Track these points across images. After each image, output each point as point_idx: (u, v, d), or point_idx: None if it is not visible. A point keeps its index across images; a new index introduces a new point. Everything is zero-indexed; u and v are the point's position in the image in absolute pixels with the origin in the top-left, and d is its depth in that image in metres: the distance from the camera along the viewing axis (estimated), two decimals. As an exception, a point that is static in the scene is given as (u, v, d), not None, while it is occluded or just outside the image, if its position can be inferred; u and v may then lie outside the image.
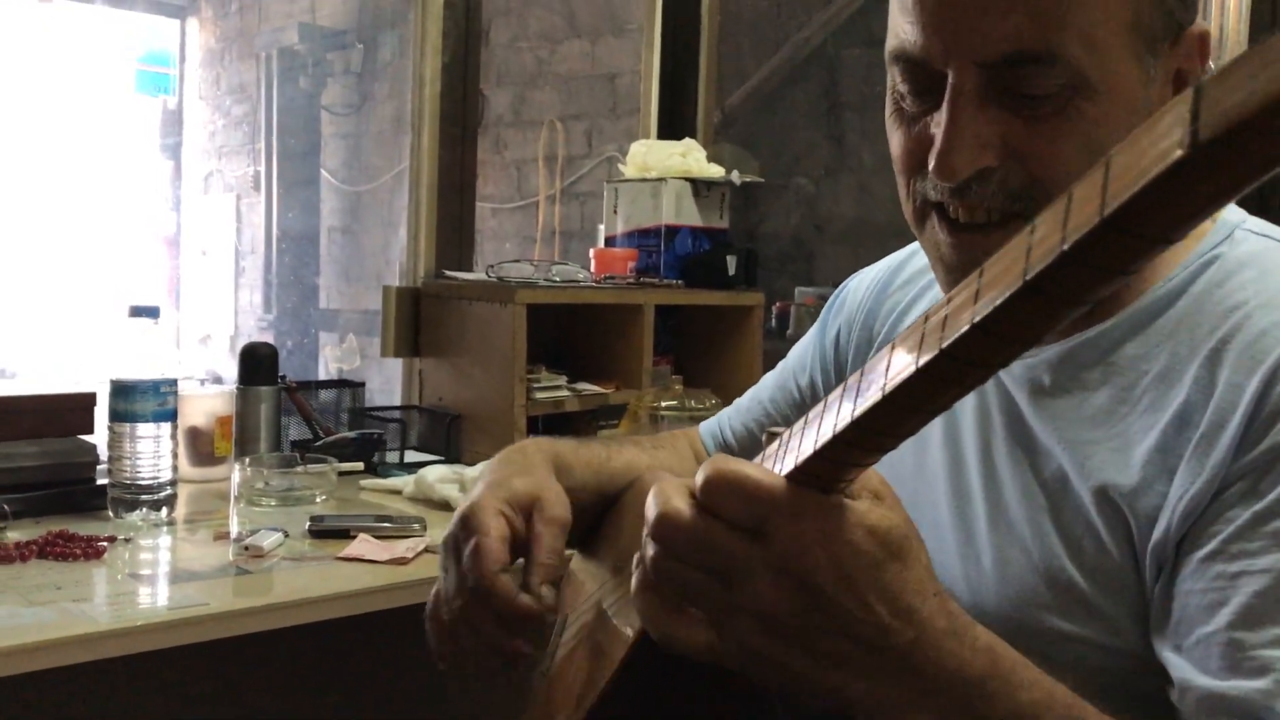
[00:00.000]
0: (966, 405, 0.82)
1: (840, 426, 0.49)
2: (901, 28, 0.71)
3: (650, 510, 0.56)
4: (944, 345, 0.41)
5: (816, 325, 1.08)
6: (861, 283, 1.04)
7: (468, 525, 0.82)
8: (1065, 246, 0.36)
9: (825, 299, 1.10)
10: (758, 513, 0.54)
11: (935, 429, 0.85)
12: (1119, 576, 0.70)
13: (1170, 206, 0.33)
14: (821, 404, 0.52)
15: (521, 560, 0.84)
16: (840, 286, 1.07)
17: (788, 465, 0.54)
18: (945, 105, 0.69)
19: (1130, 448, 0.70)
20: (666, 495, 0.56)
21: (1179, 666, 0.65)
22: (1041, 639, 0.70)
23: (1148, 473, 0.68)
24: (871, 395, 0.46)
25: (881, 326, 0.98)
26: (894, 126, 0.76)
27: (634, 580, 0.60)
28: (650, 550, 0.57)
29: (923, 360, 0.43)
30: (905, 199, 0.78)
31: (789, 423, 1.07)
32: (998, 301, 0.39)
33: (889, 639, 0.55)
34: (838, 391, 0.50)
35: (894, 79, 0.74)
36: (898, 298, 0.98)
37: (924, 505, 0.84)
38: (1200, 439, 0.66)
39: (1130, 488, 0.69)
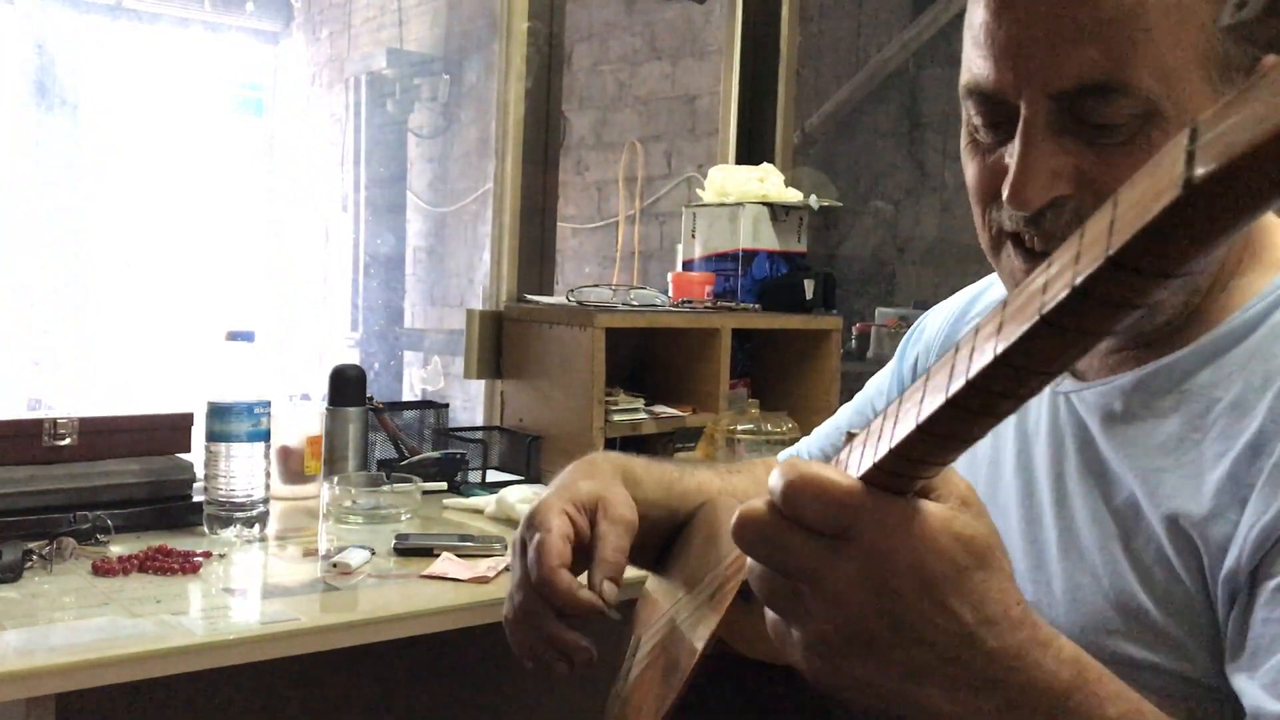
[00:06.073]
0: (1040, 430, 0.83)
1: (913, 427, 0.48)
2: (974, 62, 0.73)
3: (733, 515, 0.56)
4: (970, 376, 0.43)
5: (896, 354, 1.10)
6: (940, 313, 1.05)
7: (532, 524, 0.85)
8: (1076, 282, 0.37)
9: (906, 320, 1.12)
10: (839, 518, 0.52)
11: (1008, 454, 0.86)
12: (1190, 604, 0.70)
13: (1171, 245, 0.34)
14: (896, 401, 0.51)
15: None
16: (920, 317, 1.09)
17: (865, 464, 0.52)
18: (1018, 137, 0.71)
19: (1202, 475, 0.70)
20: (750, 499, 0.55)
21: (1252, 695, 0.65)
22: (1111, 665, 0.70)
23: (1219, 501, 0.68)
24: (907, 425, 0.47)
25: None
26: (969, 158, 0.78)
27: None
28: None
29: (953, 390, 0.44)
30: (981, 228, 0.79)
31: None
32: (1014, 336, 0.40)
33: (972, 648, 0.54)
34: (912, 389, 0.50)
35: (968, 113, 0.76)
36: (975, 326, 0.99)
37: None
38: (1274, 468, 0.66)
39: (1201, 516, 0.69)
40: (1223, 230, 0.34)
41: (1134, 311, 0.37)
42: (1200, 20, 0.68)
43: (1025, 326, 0.39)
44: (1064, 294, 0.37)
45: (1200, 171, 0.32)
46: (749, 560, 0.57)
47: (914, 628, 0.53)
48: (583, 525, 0.86)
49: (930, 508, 0.54)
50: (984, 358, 0.42)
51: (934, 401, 0.45)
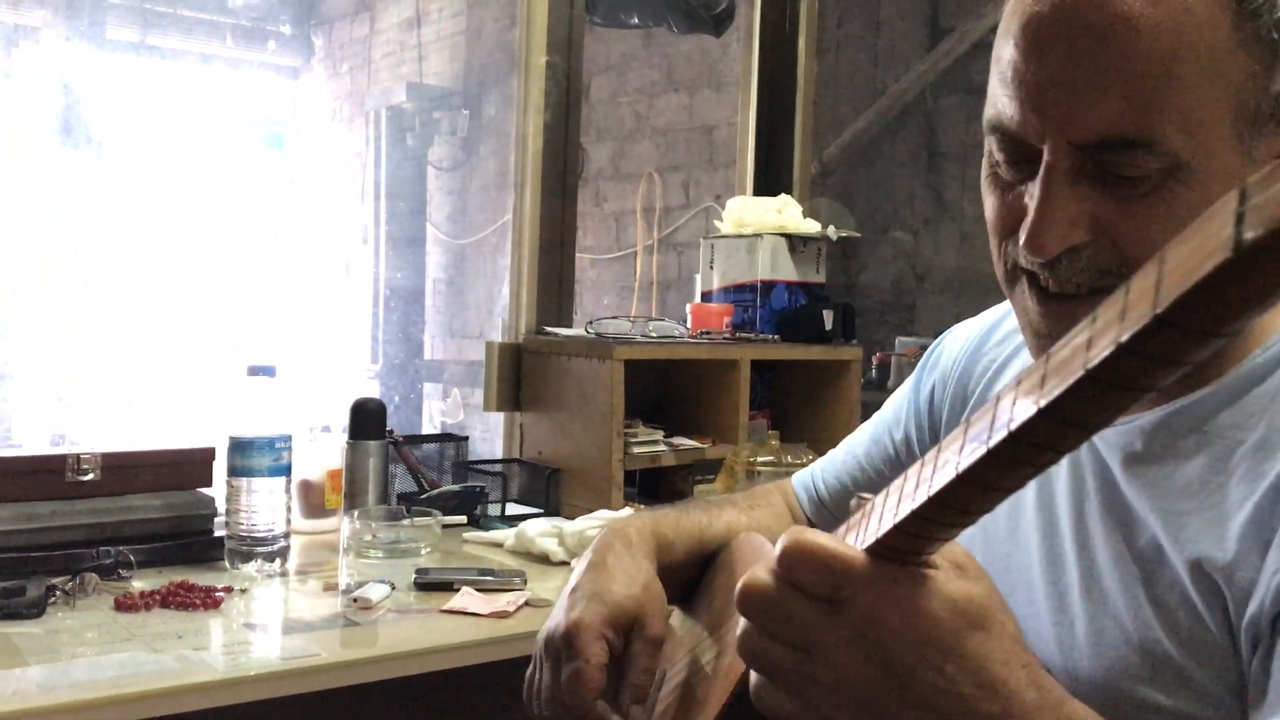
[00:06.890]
0: (1061, 469, 0.82)
1: (919, 503, 0.49)
2: (999, 99, 0.72)
3: (738, 584, 0.58)
4: (1012, 429, 0.43)
5: (911, 380, 1.08)
6: (956, 339, 1.03)
7: (571, 644, 0.84)
8: (1122, 339, 0.37)
9: (926, 349, 1.10)
10: (833, 583, 0.54)
11: (1029, 493, 0.84)
12: (1215, 650, 0.69)
13: (1220, 305, 0.34)
14: (902, 477, 0.53)
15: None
16: (935, 342, 1.07)
17: (869, 538, 0.54)
18: (1039, 182, 0.70)
19: (1226, 520, 0.69)
20: (754, 568, 0.58)
21: None
22: (1136, 710, 0.70)
23: (1243, 546, 0.67)
24: (946, 474, 0.47)
25: (976, 385, 0.97)
26: (989, 190, 0.77)
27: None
28: (741, 624, 0.59)
29: (993, 442, 0.44)
30: (997, 260, 0.78)
31: (881, 477, 1.06)
32: (1059, 390, 0.40)
33: (972, 711, 0.55)
34: (917, 466, 0.51)
35: (990, 146, 0.75)
36: (993, 355, 0.97)
37: (1016, 570, 0.83)
38: None
39: (1226, 561, 0.68)
40: (1271, 293, 0.34)
41: (1179, 369, 0.37)
42: (1232, 75, 0.66)
43: (1070, 381, 0.40)
44: (1109, 350, 0.37)
45: (1250, 235, 0.32)
46: (746, 629, 0.58)
47: (911, 691, 0.54)
48: (618, 648, 0.86)
49: (924, 574, 0.55)
50: (1026, 411, 0.42)
51: (974, 451, 0.45)
